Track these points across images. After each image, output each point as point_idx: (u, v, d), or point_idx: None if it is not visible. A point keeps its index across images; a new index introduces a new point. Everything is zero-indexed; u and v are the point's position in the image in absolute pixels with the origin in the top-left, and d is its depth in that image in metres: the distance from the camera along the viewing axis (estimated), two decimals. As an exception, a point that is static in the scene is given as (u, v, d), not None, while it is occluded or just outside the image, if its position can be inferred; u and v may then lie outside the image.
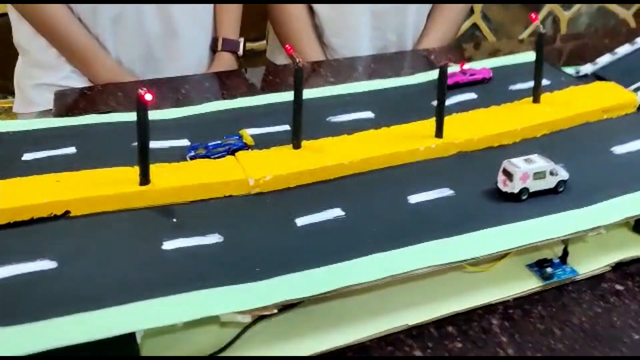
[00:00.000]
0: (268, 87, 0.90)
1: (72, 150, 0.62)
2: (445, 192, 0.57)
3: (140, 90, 0.50)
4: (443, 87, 0.61)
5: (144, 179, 0.54)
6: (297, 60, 0.58)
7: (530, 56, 0.79)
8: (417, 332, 0.48)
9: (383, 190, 0.58)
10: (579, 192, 0.57)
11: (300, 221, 0.53)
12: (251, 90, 0.88)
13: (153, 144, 0.62)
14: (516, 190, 0.55)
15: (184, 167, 0.58)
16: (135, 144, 0.53)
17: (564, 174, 0.57)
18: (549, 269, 0.53)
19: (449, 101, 0.74)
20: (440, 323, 0.49)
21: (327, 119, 0.70)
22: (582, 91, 0.72)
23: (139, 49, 0.94)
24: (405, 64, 0.98)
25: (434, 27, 1.08)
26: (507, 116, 0.67)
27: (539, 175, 0.56)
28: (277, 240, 0.51)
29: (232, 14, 0.99)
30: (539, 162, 0.56)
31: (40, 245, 0.49)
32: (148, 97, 0.49)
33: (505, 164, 0.56)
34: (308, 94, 0.75)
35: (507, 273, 0.53)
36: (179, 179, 0.55)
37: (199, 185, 0.55)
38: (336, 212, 0.54)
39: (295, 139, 0.61)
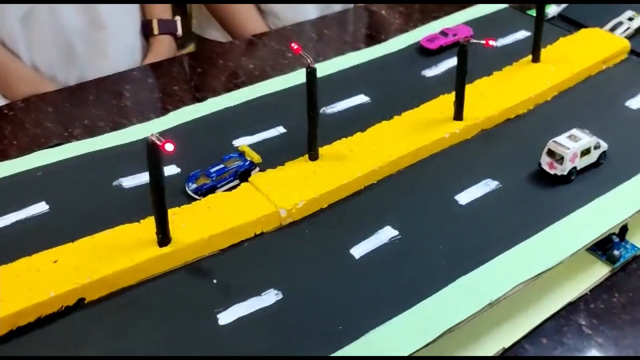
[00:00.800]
0: (228, 76, 0.79)
1: (42, 207, 0.50)
2: (490, 184, 0.52)
3: (153, 138, 0.40)
4: (463, 67, 0.55)
5: (164, 238, 0.44)
6: (309, 61, 0.50)
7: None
8: (513, 353, 0.45)
9: (426, 194, 0.52)
10: (618, 162, 0.55)
11: (356, 252, 0.46)
12: (210, 83, 0.77)
13: (138, 178, 0.54)
14: (566, 172, 0.52)
15: (199, 210, 0.48)
16: (118, 181, 0.49)
17: (604, 145, 0.54)
18: (615, 252, 0.50)
19: (443, 68, 0.69)
20: (531, 336, 0.46)
21: (322, 111, 0.62)
22: (574, 42, 0.69)
23: (57, 48, 0.78)
24: (360, 23, 0.91)
25: None
26: (516, 83, 0.62)
27: (585, 152, 0.52)
28: (342, 283, 0.44)
29: None
30: (584, 138, 0.52)
31: (63, 350, 0.39)
32: (169, 147, 0.39)
33: (551, 145, 0.52)
34: (284, 82, 0.68)
35: (574, 264, 0.50)
36: (201, 228, 0.46)
37: (226, 231, 0.46)
38: (389, 232, 0.48)
39: (312, 150, 0.53)
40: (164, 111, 0.68)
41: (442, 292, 0.43)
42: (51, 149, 0.58)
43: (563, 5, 0.81)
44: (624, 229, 0.52)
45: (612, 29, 0.75)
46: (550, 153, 0.52)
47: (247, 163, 0.54)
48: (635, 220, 0.52)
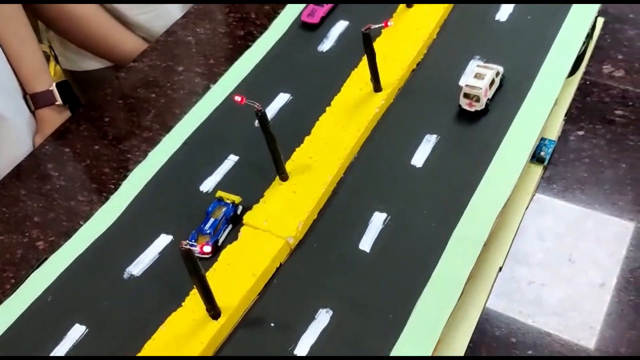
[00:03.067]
0: (139, 115, 0.78)
1: (80, 330, 0.53)
2: (431, 138, 0.61)
3: (187, 246, 0.44)
4: (370, 49, 0.61)
5: (215, 311, 0.50)
6: (257, 107, 0.54)
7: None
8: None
9: (388, 170, 0.60)
10: (513, 76, 0.65)
11: (366, 246, 0.54)
12: (126, 131, 0.76)
13: (142, 262, 0.57)
14: (484, 106, 0.62)
15: (223, 271, 0.54)
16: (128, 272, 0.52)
17: (501, 69, 0.64)
18: (541, 153, 0.62)
19: (334, 37, 0.74)
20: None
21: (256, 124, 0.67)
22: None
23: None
24: (225, 7, 0.92)
25: None
26: (405, 35, 0.70)
27: (492, 83, 0.62)
28: (370, 279, 0.52)
29: (29, 47, 0.80)
30: (487, 73, 0.62)
31: None
32: (207, 249, 0.44)
33: (466, 89, 0.61)
34: (206, 108, 0.70)
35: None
36: (236, 287, 0.52)
37: (257, 280, 0.53)
38: (380, 217, 0.56)
39: (282, 174, 0.59)
40: (112, 185, 0.70)
41: (445, 251, 0.53)
42: (38, 269, 0.59)
43: None
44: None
45: None
46: (467, 95, 0.62)
47: (231, 207, 0.59)
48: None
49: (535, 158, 0.62)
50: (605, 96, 0.68)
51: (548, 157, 0.62)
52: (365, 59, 0.64)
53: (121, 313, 0.53)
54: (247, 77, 0.73)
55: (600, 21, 0.76)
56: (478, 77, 0.62)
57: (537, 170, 0.62)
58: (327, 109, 0.65)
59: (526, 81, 0.65)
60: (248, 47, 0.76)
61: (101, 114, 0.79)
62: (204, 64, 0.82)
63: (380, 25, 0.60)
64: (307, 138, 0.63)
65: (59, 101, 0.84)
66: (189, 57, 0.84)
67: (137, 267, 0.57)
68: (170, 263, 0.56)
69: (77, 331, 0.53)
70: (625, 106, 0.67)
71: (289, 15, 0.79)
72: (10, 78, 0.81)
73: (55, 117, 0.84)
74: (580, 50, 0.67)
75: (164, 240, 0.59)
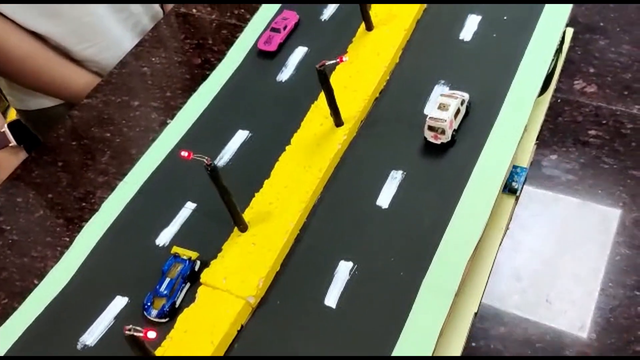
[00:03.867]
0: (92, 161, 0.74)
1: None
2: (396, 175, 0.58)
3: (131, 332, 0.41)
4: (328, 86, 0.58)
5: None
6: (206, 161, 0.50)
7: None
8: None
9: (352, 213, 0.56)
10: (480, 101, 0.62)
11: (331, 301, 0.51)
12: (82, 177, 0.73)
13: (99, 327, 0.54)
14: (450, 138, 0.59)
15: (180, 339, 0.50)
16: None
17: (466, 96, 0.61)
18: (513, 183, 0.59)
19: (293, 66, 0.71)
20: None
21: (217, 162, 0.63)
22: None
23: None
24: (182, 34, 0.88)
25: None
26: (366, 61, 0.67)
27: (457, 112, 0.59)
28: (333, 338, 0.49)
29: None
30: (452, 103, 0.59)
31: None
32: (152, 335, 0.40)
33: (429, 121, 0.58)
34: (157, 154, 0.67)
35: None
36: (198, 348, 0.49)
37: (217, 347, 0.49)
38: (345, 267, 0.53)
39: (240, 225, 0.56)
40: (67, 238, 0.66)
41: (416, 303, 0.50)
42: None
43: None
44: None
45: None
46: (431, 128, 0.58)
47: (187, 264, 0.55)
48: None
49: (507, 189, 0.59)
50: (577, 115, 0.65)
51: (520, 186, 0.59)
52: (325, 90, 0.61)
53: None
54: (204, 112, 0.69)
55: (570, 32, 0.73)
56: (442, 108, 0.59)
57: (510, 202, 0.59)
58: (287, 147, 0.62)
59: (494, 106, 0.61)
60: (206, 76, 0.73)
61: (54, 158, 0.75)
62: (160, 97, 0.79)
63: (335, 61, 0.57)
64: (266, 181, 0.60)
65: (13, 142, 0.80)
66: (145, 90, 0.80)
67: (92, 335, 0.53)
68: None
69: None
70: (599, 125, 0.64)
71: (246, 41, 0.76)
72: None
73: (10, 160, 0.80)
74: (549, 69, 0.64)
75: (119, 303, 0.55)
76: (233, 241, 0.56)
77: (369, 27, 0.69)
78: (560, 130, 0.64)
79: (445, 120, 0.57)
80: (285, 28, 0.73)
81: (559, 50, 0.68)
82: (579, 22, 0.74)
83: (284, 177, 0.59)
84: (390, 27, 0.69)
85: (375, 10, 0.72)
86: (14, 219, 0.70)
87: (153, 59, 0.84)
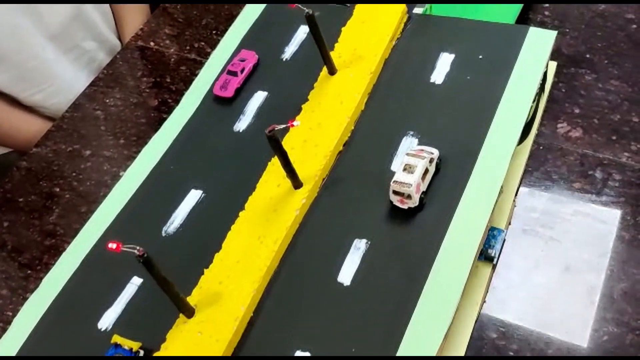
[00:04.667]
0: (34, 218, 0.69)
1: None
2: (359, 244, 0.53)
3: None
4: (282, 151, 0.52)
5: None
6: (138, 252, 0.45)
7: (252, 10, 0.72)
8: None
9: (311, 294, 0.51)
10: (452, 157, 0.56)
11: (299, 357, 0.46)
12: (22, 238, 0.68)
13: None
14: (418, 202, 0.53)
15: None
16: None
17: (436, 153, 0.55)
18: (489, 250, 0.54)
19: (251, 114, 0.65)
20: None
21: (164, 231, 0.58)
22: (357, 29, 0.67)
23: None
24: (139, 71, 0.82)
25: (126, 9, 0.89)
26: (329, 111, 0.61)
27: (425, 173, 0.53)
28: None
29: None
30: (419, 164, 0.53)
31: None
32: None
33: (394, 186, 0.52)
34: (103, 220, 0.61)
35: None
36: None
37: None
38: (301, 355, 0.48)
39: (185, 311, 0.50)
40: (10, 313, 0.61)
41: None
42: None
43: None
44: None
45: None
46: (396, 192, 0.53)
47: (129, 355, 0.50)
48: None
49: (483, 256, 0.54)
50: (561, 164, 0.59)
51: (497, 253, 0.54)
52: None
53: None
54: (155, 167, 0.64)
55: (553, 66, 0.67)
56: (408, 170, 0.53)
57: (486, 272, 0.54)
58: (241, 213, 0.56)
59: (468, 160, 0.55)
60: (162, 120, 0.67)
61: (0, 217, 0.70)
62: (113, 145, 0.73)
63: (285, 125, 0.51)
64: (217, 255, 0.54)
65: None
66: (97, 137, 0.74)
67: None
68: None
69: None
70: (585, 177, 0.58)
71: (202, 84, 0.70)
72: None
73: None
74: (529, 115, 0.59)
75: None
76: (178, 329, 0.50)
77: (332, 71, 0.63)
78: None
79: (411, 185, 0.52)
80: (242, 71, 0.67)
81: (541, 89, 0.62)
82: (563, 54, 0.68)
83: (236, 251, 0.54)
84: (355, 71, 0.63)
85: (338, 50, 0.66)
86: (-46, 290, 0.65)
87: (107, 101, 0.78)
